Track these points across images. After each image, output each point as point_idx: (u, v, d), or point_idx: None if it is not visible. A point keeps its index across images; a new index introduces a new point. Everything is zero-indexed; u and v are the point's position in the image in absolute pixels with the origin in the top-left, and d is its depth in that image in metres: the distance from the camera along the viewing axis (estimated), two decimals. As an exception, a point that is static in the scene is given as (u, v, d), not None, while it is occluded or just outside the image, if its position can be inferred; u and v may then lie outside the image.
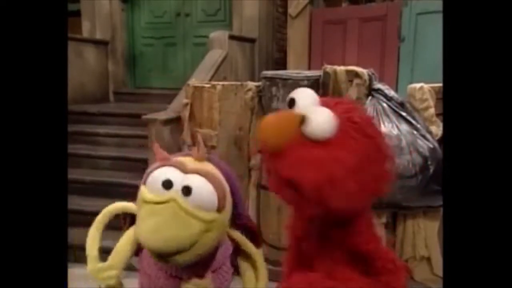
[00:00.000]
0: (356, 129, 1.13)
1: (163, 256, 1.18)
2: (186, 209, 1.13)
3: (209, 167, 1.25)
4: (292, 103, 1.18)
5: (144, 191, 1.20)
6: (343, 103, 1.22)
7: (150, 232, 1.14)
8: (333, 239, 1.26)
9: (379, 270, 1.23)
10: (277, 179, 1.16)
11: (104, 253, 1.36)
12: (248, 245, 1.41)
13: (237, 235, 1.40)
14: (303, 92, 1.21)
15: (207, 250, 1.24)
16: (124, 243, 1.35)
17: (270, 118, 1.16)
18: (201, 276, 1.30)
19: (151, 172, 1.21)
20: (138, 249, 1.35)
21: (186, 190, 1.14)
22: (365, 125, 1.16)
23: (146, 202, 1.18)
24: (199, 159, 1.27)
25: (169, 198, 1.14)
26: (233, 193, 1.28)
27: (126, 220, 1.40)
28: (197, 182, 1.17)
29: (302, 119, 1.09)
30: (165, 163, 1.22)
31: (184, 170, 1.19)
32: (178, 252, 1.15)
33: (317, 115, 1.10)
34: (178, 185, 1.16)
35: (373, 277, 1.25)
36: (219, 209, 1.18)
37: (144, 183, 1.22)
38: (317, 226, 1.29)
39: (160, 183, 1.16)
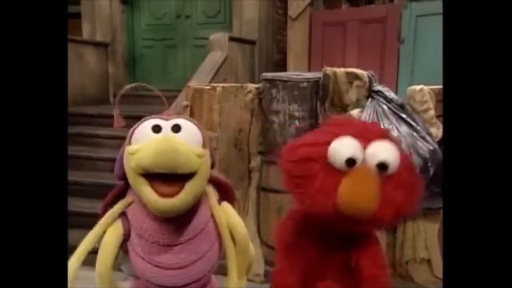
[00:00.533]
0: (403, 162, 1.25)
1: (174, 177, 1.19)
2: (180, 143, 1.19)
3: None
4: (352, 163, 1.21)
5: (132, 146, 1.24)
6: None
7: (156, 149, 1.17)
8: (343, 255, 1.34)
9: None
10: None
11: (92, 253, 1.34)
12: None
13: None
14: (351, 143, 1.24)
15: (201, 190, 1.29)
16: (109, 238, 1.33)
17: (359, 189, 1.19)
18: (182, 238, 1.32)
19: (135, 128, 1.29)
20: (126, 236, 1.33)
21: (176, 128, 1.23)
22: (405, 158, 1.29)
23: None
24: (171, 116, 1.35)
25: (162, 139, 1.20)
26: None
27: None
28: (183, 120, 1.28)
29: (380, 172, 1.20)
30: (145, 118, 1.31)
31: (166, 119, 1.28)
32: (187, 175, 1.20)
33: (393, 162, 1.21)
34: (166, 127, 1.23)
35: None
36: (204, 145, 1.28)
37: (129, 144, 1.26)
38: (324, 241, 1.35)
39: (149, 128, 1.23)
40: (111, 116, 4.66)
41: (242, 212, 2.66)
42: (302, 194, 1.26)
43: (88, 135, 4.03)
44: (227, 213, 1.40)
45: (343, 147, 1.22)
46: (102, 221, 1.33)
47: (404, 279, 2.41)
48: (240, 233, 1.39)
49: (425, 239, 2.40)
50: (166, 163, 1.17)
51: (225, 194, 1.47)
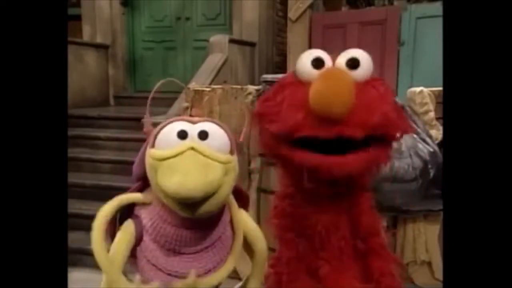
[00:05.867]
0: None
1: (191, 205, 1.15)
2: (206, 152, 1.15)
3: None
4: (320, 63, 1.14)
5: (157, 152, 1.18)
6: None
7: (177, 184, 1.11)
8: (339, 209, 1.27)
9: (372, 249, 1.27)
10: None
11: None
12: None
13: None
14: (317, 51, 1.20)
15: (225, 199, 1.24)
16: (119, 242, 1.28)
17: (330, 82, 1.05)
18: (203, 242, 1.29)
19: (159, 131, 1.22)
20: (138, 240, 1.28)
21: (203, 134, 1.18)
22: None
23: (163, 159, 1.16)
24: (199, 115, 1.30)
25: (187, 146, 1.14)
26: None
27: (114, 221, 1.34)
28: (211, 126, 1.22)
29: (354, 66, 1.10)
30: (172, 120, 1.24)
31: (192, 122, 1.23)
32: (206, 198, 1.14)
33: (364, 60, 1.11)
34: (192, 132, 1.18)
35: (365, 260, 1.27)
36: (232, 151, 1.22)
37: (153, 146, 1.21)
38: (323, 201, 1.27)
39: (175, 134, 1.17)
40: (111, 118, 4.65)
41: (242, 214, 2.66)
42: (274, 123, 1.14)
43: (88, 137, 4.03)
44: (247, 224, 1.41)
45: (309, 54, 1.18)
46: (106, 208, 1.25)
47: (405, 281, 2.41)
48: (260, 249, 1.43)
49: (425, 241, 2.39)
50: (187, 199, 1.13)
51: (240, 199, 1.43)
